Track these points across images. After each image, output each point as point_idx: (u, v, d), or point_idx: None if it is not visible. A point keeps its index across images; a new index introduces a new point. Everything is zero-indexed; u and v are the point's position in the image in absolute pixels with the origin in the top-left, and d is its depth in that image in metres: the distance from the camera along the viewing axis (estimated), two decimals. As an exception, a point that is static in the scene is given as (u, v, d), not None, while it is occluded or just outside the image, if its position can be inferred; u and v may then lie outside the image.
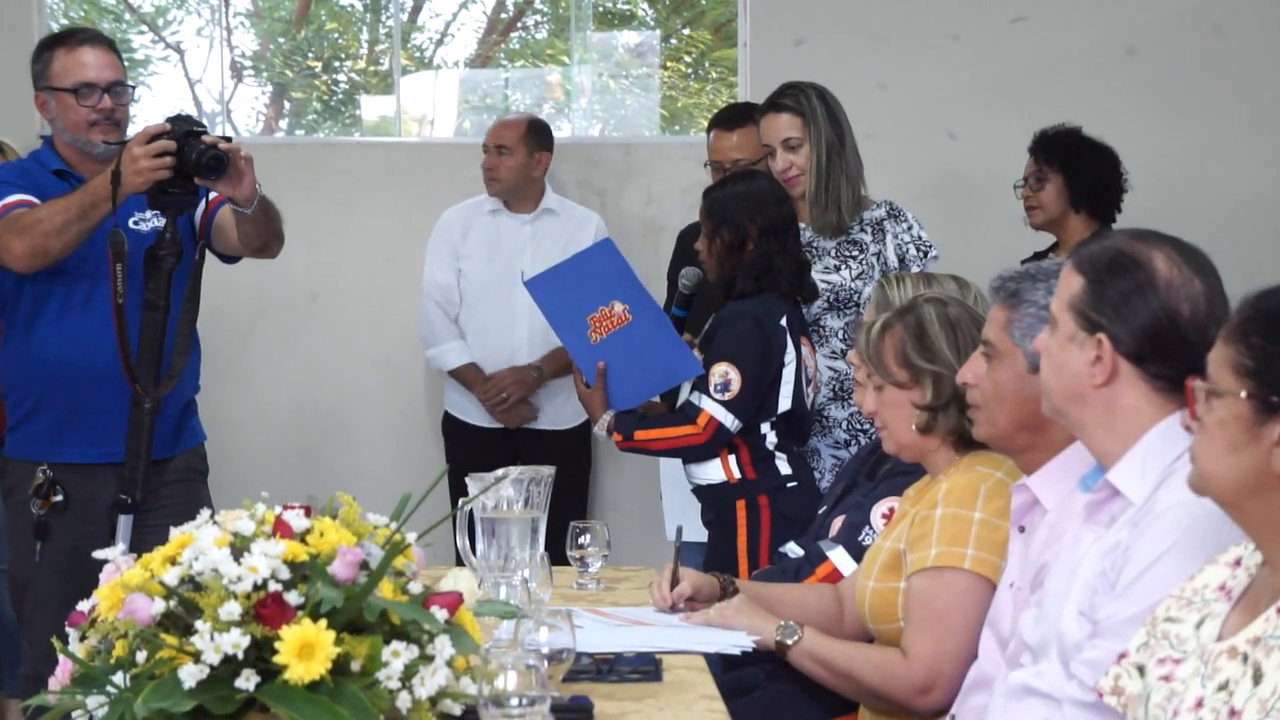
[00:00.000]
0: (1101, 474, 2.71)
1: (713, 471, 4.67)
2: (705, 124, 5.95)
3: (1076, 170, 5.70)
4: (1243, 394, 2.18)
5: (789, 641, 3.40)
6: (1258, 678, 2.09)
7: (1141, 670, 2.35)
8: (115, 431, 4.40)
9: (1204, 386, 2.25)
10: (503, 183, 6.33)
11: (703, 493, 4.75)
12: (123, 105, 4.56)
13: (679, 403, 4.73)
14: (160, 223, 4.40)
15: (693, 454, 4.65)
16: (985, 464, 3.37)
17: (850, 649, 3.46)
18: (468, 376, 6.28)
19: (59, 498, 4.35)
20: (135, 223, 4.50)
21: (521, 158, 6.31)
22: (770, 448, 4.65)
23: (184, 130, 4.30)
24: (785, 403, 4.64)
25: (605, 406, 4.73)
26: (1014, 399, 3.05)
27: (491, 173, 6.32)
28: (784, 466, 4.66)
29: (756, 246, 4.66)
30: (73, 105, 4.49)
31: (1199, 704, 2.16)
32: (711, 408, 4.56)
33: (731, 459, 4.64)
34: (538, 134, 6.36)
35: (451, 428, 6.41)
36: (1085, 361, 2.68)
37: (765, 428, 4.64)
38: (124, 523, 4.27)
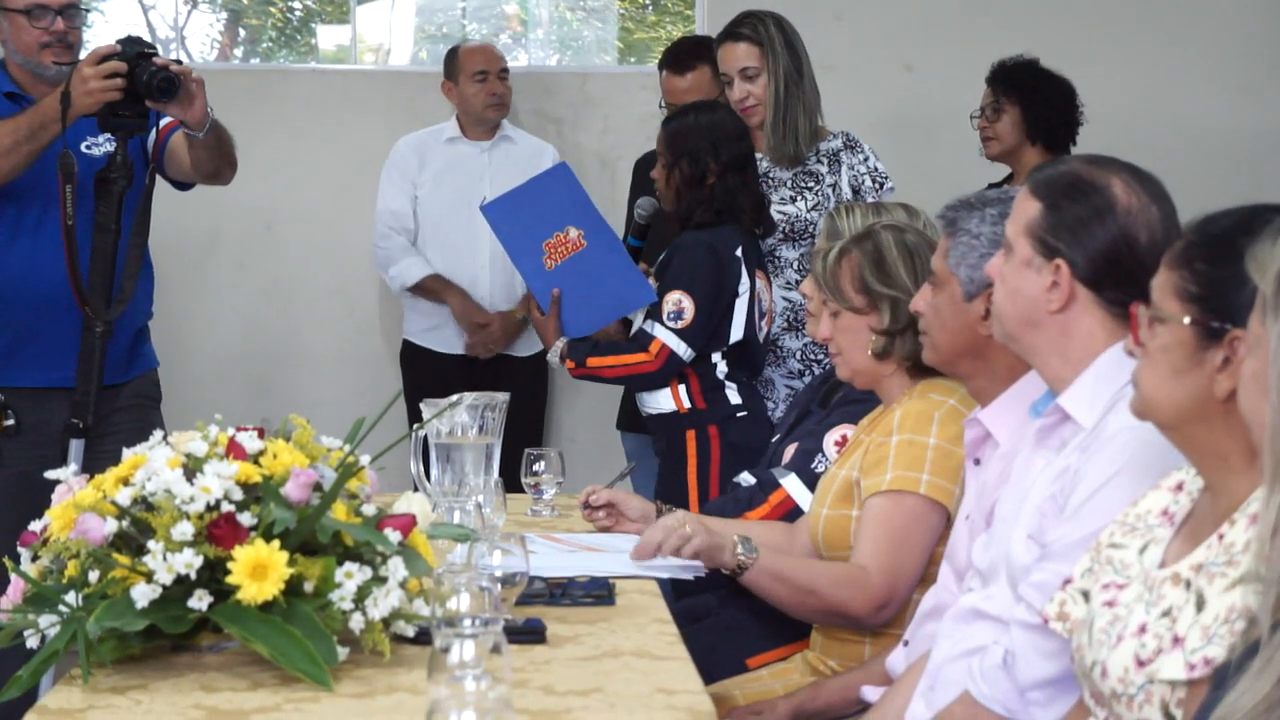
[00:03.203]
0: (1052, 399, 2.72)
1: (663, 401, 4.67)
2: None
3: (1033, 102, 5.70)
4: (1186, 320, 2.18)
5: (748, 559, 3.38)
6: (1200, 604, 2.10)
7: (1086, 596, 2.36)
8: (67, 356, 4.39)
9: (1148, 312, 2.25)
10: (508, 107, 6.39)
11: (653, 421, 4.76)
12: (75, 28, 4.53)
13: (632, 331, 4.73)
14: (112, 146, 4.38)
15: (644, 382, 4.65)
16: (938, 391, 3.38)
17: (809, 564, 3.47)
18: (434, 287, 6.24)
19: (10, 421, 4.32)
20: (87, 147, 4.48)
21: (508, 82, 6.33)
22: (720, 377, 4.65)
23: (134, 52, 4.27)
24: (738, 333, 4.63)
25: (559, 334, 4.72)
26: (953, 326, 3.07)
27: (500, 99, 6.31)
28: (734, 396, 4.66)
29: (719, 181, 4.64)
30: (25, 26, 4.46)
31: (1142, 629, 2.17)
32: (664, 335, 4.55)
33: (682, 389, 4.64)
34: None
35: (410, 355, 6.39)
36: (1042, 286, 2.68)
37: (716, 357, 4.64)
38: (75, 447, 4.26)
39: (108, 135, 4.41)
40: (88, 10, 4.69)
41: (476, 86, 6.29)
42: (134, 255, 4.41)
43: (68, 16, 4.48)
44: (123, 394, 4.56)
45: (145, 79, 4.23)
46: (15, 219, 4.44)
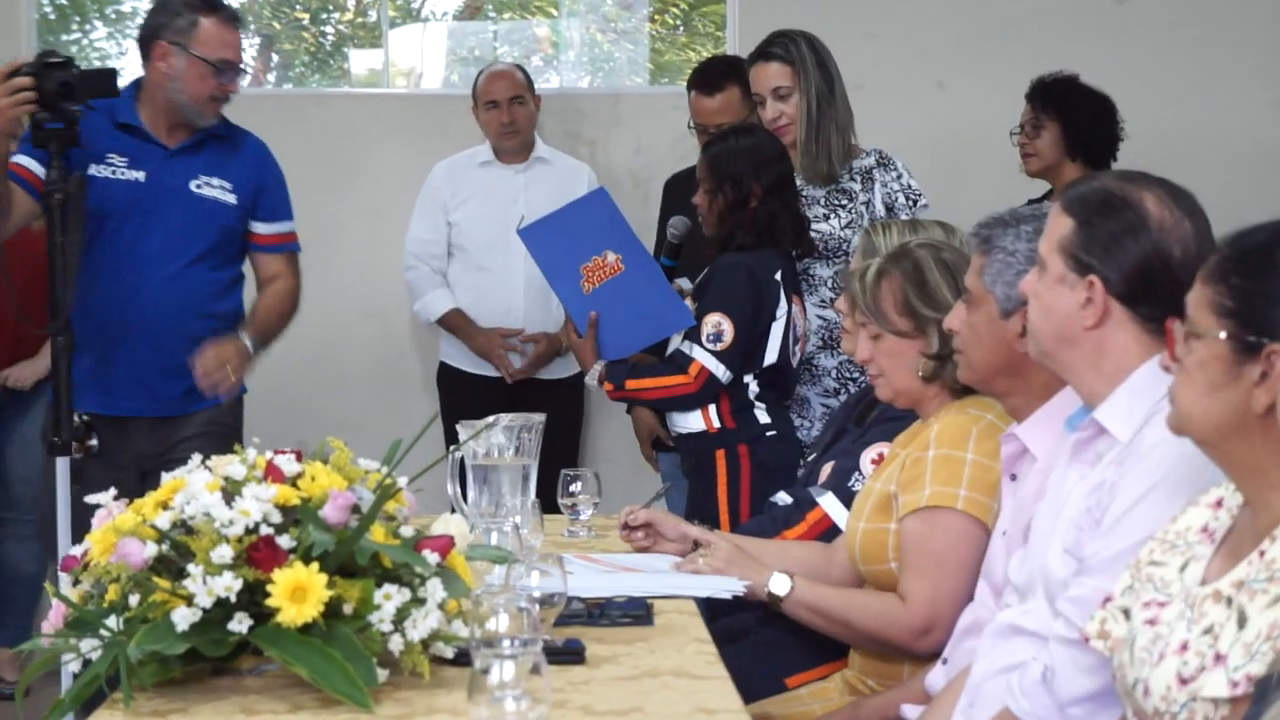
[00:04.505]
0: (1087, 413, 2.71)
1: (693, 421, 4.67)
2: (691, 77, 5.93)
3: (1073, 118, 5.69)
4: (1222, 334, 2.18)
5: (781, 592, 3.41)
6: (1242, 621, 2.09)
7: (1127, 614, 2.35)
8: (142, 384, 4.63)
9: (1183, 327, 2.25)
10: (523, 133, 6.33)
11: (682, 442, 4.76)
12: (237, 85, 4.76)
13: (669, 352, 4.73)
14: (128, 172, 4.59)
15: (683, 404, 4.65)
16: (976, 406, 3.37)
17: (845, 595, 3.47)
18: (455, 323, 6.26)
19: (93, 442, 4.38)
20: (198, 186, 4.71)
21: (532, 106, 6.33)
22: (751, 397, 4.65)
23: (40, 63, 4.31)
24: (772, 356, 4.63)
25: (596, 356, 4.73)
26: (989, 344, 3.07)
27: (513, 125, 6.29)
28: (763, 416, 4.65)
29: (761, 204, 4.65)
30: (207, 77, 4.65)
31: (1184, 647, 2.17)
32: (703, 357, 4.56)
33: (711, 408, 4.63)
34: (531, 81, 6.38)
35: (447, 377, 6.39)
36: (1076, 303, 2.68)
37: (748, 378, 4.63)
38: (61, 465, 4.25)
39: (126, 159, 4.58)
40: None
41: (488, 115, 6.30)
42: (70, 265, 4.38)
43: (238, 76, 4.72)
44: (193, 422, 4.64)
45: (49, 88, 4.27)
46: (101, 247, 4.60)
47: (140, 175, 4.68)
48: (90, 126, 4.46)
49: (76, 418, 4.29)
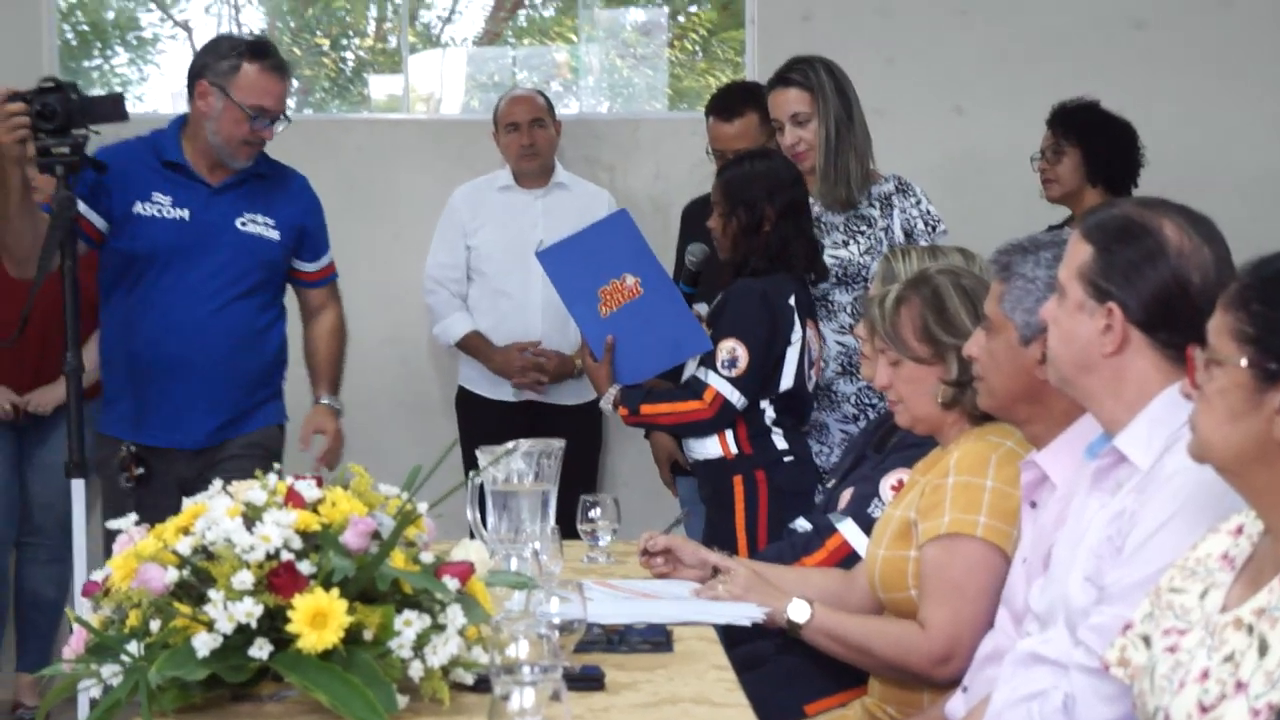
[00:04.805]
0: (1108, 441, 2.71)
1: (710, 447, 4.66)
2: (711, 102, 5.94)
3: (1094, 144, 5.69)
4: (1243, 362, 2.18)
5: (801, 620, 3.41)
6: (1263, 649, 2.09)
7: (1147, 641, 2.35)
8: (187, 417, 4.76)
9: (1204, 354, 2.24)
10: (543, 156, 6.33)
11: (699, 468, 4.76)
12: (272, 133, 4.82)
13: (684, 377, 4.73)
14: (170, 210, 4.67)
15: (698, 429, 4.64)
16: (995, 433, 3.37)
17: (864, 623, 3.47)
18: (474, 345, 6.26)
19: (140, 470, 4.44)
20: (243, 224, 4.82)
21: (552, 130, 6.34)
22: (768, 423, 4.64)
23: (37, 89, 4.35)
24: (788, 381, 4.63)
25: (611, 381, 4.73)
26: (1009, 371, 3.07)
27: (533, 147, 6.29)
28: (780, 441, 4.65)
29: (774, 228, 4.65)
30: (241, 122, 4.72)
31: (1205, 675, 2.16)
32: (718, 383, 4.56)
33: (728, 434, 4.63)
34: (552, 106, 6.39)
35: (466, 402, 6.40)
36: (1095, 330, 2.68)
37: (764, 404, 4.63)
38: (76, 487, 4.28)
39: (171, 198, 4.67)
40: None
41: (509, 138, 6.31)
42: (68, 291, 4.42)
43: (274, 123, 4.77)
44: (231, 445, 4.70)
45: (35, 109, 4.30)
46: (147, 284, 4.71)
47: (185, 214, 4.77)
48: (137, 165, 4.62)
49: (124, 448, 4.49)
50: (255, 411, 4.89)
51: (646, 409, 4.68)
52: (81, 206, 4.52)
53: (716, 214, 4.74)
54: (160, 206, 4.74)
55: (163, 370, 4.73)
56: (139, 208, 4.71)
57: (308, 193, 4.99)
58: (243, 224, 4.81)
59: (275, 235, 4.86)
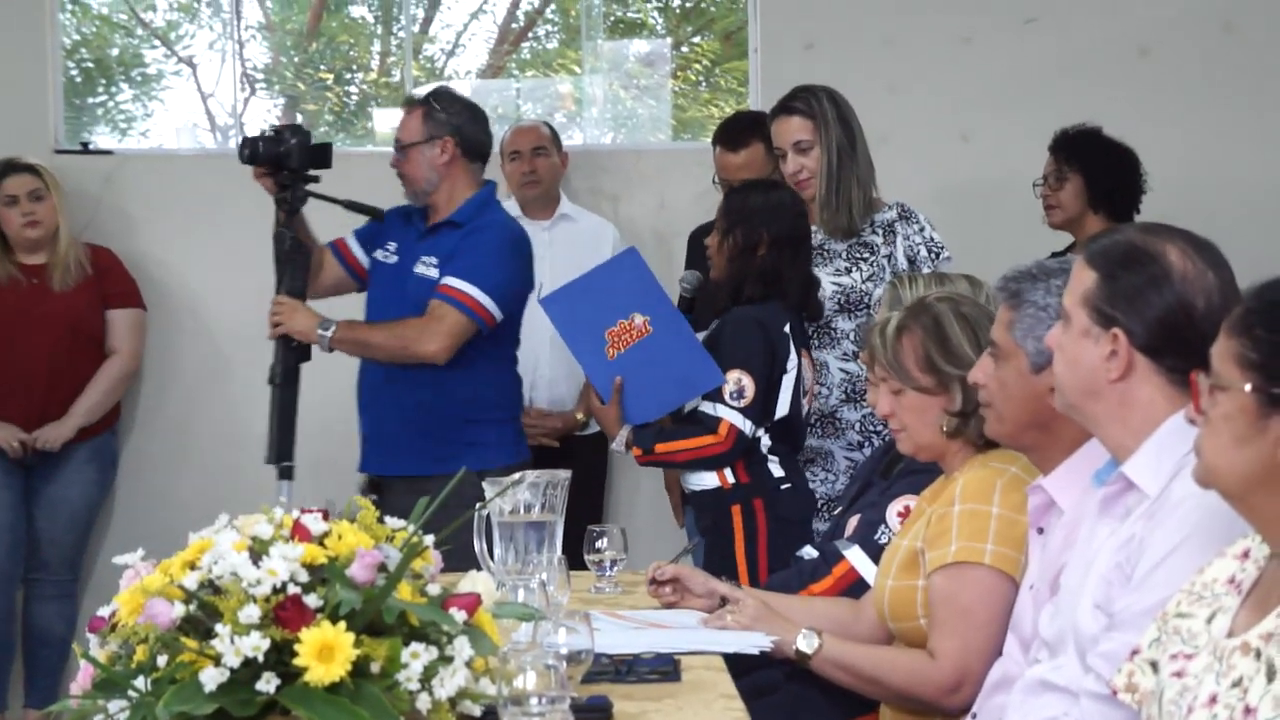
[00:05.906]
0: (1115, 467, 2.71)
1: (706, 477, 4.66)
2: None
3: (1096, 170, 5.70)
4: (1247, 387, 2.18)
5: (809, 650, 3.40)
6: (1271, 674, 2.08)
7: (1154, 666, 2.34)
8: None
9: (1208, 380, 2.24)
10: (545, 183, 6.36)
11: (696, 499, 4.75)
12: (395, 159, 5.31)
13: (686, 411, 4.71)
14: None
15: (715, 463, 4.63)
16: (999, 459, 3.37)
17: (874, 653, 3.46)
18: None
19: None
20: (383, 255, 5.21)
21: (555, 159, 6.35)
22: (764, 451, 4.64)
23: (253, 139, 5.02)
24: (783, 409, 4.63)
25: (621, 422, 4.71)
26: (1019, 398, 3.06)
27: (533, 175, 6.32)
28: (776, 469, 4.65)
29: (767, 253, 4.65)
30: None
31: (1212, 700, 2.16)
32: (730, 415, 4.56)
33: None
34: (557, 137, 6.40)
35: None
36: (1100, 356, 2.68)
37: (760, 432, 4.63)
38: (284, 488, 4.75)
39: (395, 244, 5.15)
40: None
41: (511, 166, 6.33)
42: None
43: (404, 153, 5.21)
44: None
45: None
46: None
47: (395, 259, 5.15)
48: (392, 218, 5.15)
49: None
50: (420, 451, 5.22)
51: (661, 448, 4.68)
52: (349, 236, 5.31)
53: (715, 231, 4.76)
54: (386, 253, 5.23)
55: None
56: (378, 254, 5.25)
57: (476, 233, 5.15)
58: (419, 268, 5.13)
59: (435, 273, 5.09)
